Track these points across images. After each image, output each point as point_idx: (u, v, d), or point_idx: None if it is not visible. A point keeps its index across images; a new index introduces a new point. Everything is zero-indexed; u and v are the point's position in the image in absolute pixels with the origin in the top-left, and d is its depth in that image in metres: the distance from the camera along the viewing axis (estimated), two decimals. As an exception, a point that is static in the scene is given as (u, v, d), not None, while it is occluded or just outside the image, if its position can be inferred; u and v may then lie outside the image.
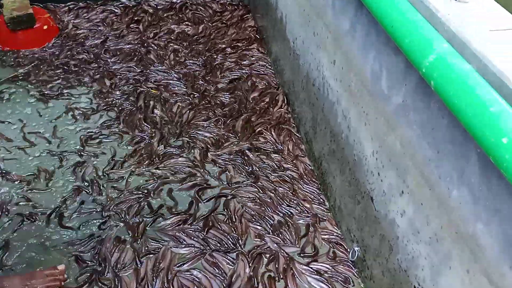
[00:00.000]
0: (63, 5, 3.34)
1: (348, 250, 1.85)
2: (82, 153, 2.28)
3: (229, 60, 2.96)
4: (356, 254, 1.75)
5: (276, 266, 1.84)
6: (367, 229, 1.65)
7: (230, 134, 2.44)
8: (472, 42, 1.02)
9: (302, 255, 1.88)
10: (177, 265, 1.83)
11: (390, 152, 1.43)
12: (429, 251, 1.25)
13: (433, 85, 1.02)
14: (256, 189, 2.14)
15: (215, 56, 2.98)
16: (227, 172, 2.22)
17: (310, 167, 2.24)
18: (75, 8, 3.34)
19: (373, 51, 1.49)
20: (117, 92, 2.66)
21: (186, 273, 1.80)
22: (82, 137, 2.36)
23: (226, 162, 2.27)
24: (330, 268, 1.82)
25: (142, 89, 2.68)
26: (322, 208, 2.06)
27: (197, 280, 1.78)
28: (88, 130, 2.40)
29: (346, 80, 1.73)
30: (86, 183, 2.13)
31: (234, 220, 2.00)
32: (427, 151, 1.22)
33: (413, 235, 1.33)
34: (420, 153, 1.26)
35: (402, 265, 1.41)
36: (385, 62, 1.42)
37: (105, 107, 2.55)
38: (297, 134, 2.42)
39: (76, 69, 2.82)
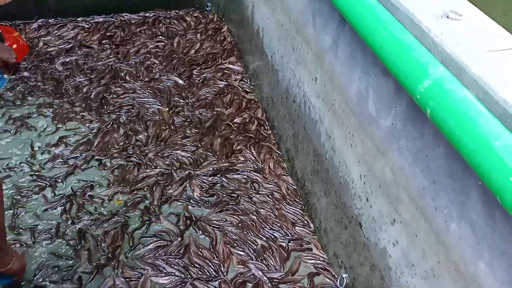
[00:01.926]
0: (33, 22, 3.19)
1: (336, 276, 1.77)
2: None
3: (205, 74, 2.85)
4: (345, 281, 1.67)
5: (262, 295, 1.75)
6: (356, 257, 1.57)
7: (209, 153, 2.33)
8: (470, 65, 0.94)
9: (288, 282, 1.78)
10: (157, 297, 1.72)
11: (379, 177, 1.35)
12: (426, 287, 1.17)
13: (429, 113, 0.94)
14: (237, 212, 2.03)
15: (190, 71, 2.87)
16: (206, 194, 2.11)
17: (293, 187, 2.15)
18: (45, 25, 3.18)
19: (359, 70, 1.41)
20: (90, 111, 2.53)
21: (166, 305, 1.69)
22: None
23: (205, 183, 2.16)
24: (318, 296, 1.73)
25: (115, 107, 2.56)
26: (307, 230, 1.97)
27: (179, 312, 1.67)
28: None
29: (329, 99, 1.65)
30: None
31: (215, 245, 1.90)
32: (421, 181, 1.14)
33: (407, 267, 1.25)
34: (413, 182, 1.18)
35: (396, 298, 1.33)
36: (372, 83, 1.34)
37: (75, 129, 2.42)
38: (278, 152, 2.33)
39: (46, 88, 2.68)
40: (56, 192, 2.08)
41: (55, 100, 2.59)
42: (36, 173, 2.15)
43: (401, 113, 1.20)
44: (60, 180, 2.13)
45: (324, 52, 1.64)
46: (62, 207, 2.01)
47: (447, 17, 1.12)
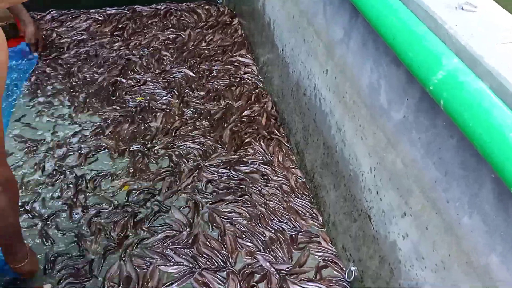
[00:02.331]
0: (46, 13, 3.21)
1: (344, 269, 1.76)
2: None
3: (216, 67, 2.85)
4: (353, 274, 1.66)
5: (269, 286, 1.75)
6: (365, 249, 1.56)
7: (218, 145, 2.33)
8: (484, 57, 0.93)
9: (295, 274, 1.78)
10: (166, 285, 1.72)
11: (390, 170, 1.34)
12: (436, 279, 1.17)
13: (443, 105, 0.93)
14: (246, 204, 2.04)
15: (201, 63, 2.87)
16: (215, 185, 2.11)
17: (302, 179, 2.15)
18: (58, 17, 3.21)
19: (370, 61, 1.40)
20: (102, 102, 2.54)
21: (175, 293, 1.70)
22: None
23: (214, 175, 2.17)
24: (325, 288, 1.73)
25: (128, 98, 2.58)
26: (315, 223, 1.97)
27: (186, 301, 1.68)
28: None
29: (340, 91, 1.64)
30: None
31: (223, 236, 1.90)
32: (433, 173, 1.14)
33: (417, 260, 1.25)
34: (425, 174, 1.17)
35: (405, 290, 1.33)
36: (384, 74, 1.33)
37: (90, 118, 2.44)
38: (287, 145, 2.33)
39: (59, 78, 2.70)
40: (67, 181, 2.09)
41: (68, 91, 2.61)
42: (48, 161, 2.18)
43: (413, 104, 1.19)
44: (71, 169, 2.15)
45: (336, 43, 1.63)
46: (72, 196, 2.03)
47: (462, 8, 1.11)
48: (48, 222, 1.92)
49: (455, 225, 1.07)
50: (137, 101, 2.51)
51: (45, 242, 1.84)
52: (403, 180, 1.28)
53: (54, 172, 2.13)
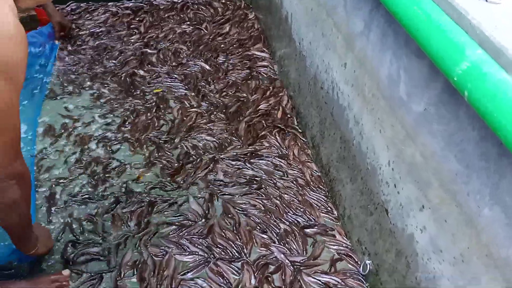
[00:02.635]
0: (65, 6, 3.25)
1: (359, 262, 1.76)
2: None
3: (232, 60, 2.86)
4: (368, 267, 1.66)
5: (283, 277, 1.75)
6: (381, 243, 1.56)
7: (233, 138, 2.34)
8: (509, 48, 0.92)
9: (310, 266, 1.78)
10: (181, 273, 1.74)
11: (409, 163, 1.34)
12: (454, 272, 1.17)
13: (467, 96, 0.93)
14: (260, 196, 2.05)
15: (217, 57, 2.88)
16: (230, 177, 2.13)
17: (317, 173, 2.15)
18: (77, 9, 3.25)
19: (391, 54, 1.39)
20: (119, 94, 2.57)
21: (190, 282, 1.72)
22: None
23: (229, 167, 2.18)
24: (340, 281, 1.72)
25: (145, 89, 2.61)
26: (331, 217, 1.97)
27: (201, 289, 1.70)
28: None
29: (359, 84, 1.64)
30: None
31: (238, 227, 1.92)
32: (453, 165, 1.13)
33: (434, 253, 1.24)
34: (445, 167, 1.17)
35: (422, 284, 1.33)
36: (404, 66, 1.33)
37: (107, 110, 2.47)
38: (303, 139, 2.33)
39: (77, 70, 2.74)
40: (87, 170, 2.13)
41: (86, 81, 2.64)
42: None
43: (435, 96, 1.18)
44: (92, 159, 2.18)
45: (355, 36, 1.63)
46: (92, 185, 2.06)
47: (486, 0, 1.10)
48: (68, 209, 1.94)
49: (475, 218, 1.07)
50: (154, 92, 2.54)
51: (64, 229, 1.87)
52: (422, 173, 1.28)
53: (76, 162, 2.16)
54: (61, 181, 2.06)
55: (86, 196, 2.01)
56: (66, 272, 1.70)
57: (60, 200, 1.99)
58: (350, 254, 1.82)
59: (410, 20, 1.12)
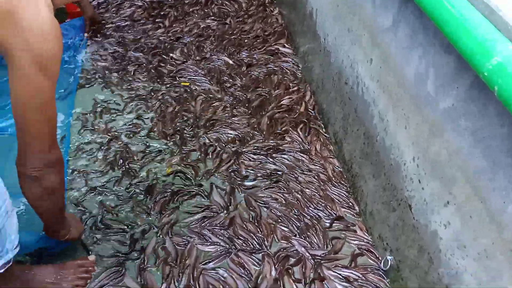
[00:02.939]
0: (92, 0, 3.32)
1: (380, 258, 1.77)
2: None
3: (255, 55, 2.88)
4: (389, 263, 1.67)
5: (303, 270, 1.77)
6: (403, 239, 1.57)
7: (256, 132, 2.37)
8: (542, 44, 0.92)
9: (330, 260, 1.80)
10: (203, 263, 1.77)
11: (434, 159, 1.34)
12: (477, 268, 1.17)
13: (497, 91, 0.93)
14: (282, 190, 2.06)
15: (240, 52, 2.91)
16: (252, 171, 2.15)
17: (339, 169, 2.16)
18: (104, 3, 3.32)
19: (419, 50, 1.39)
20: (146, 87, 2.62)
21: (211, 271, 1.75)
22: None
23: (251, 161, 2.20)
24: (360, 276, 1.73)
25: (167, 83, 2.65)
26: (352, 212, 1.98)
27: (223, 279, 1.72)
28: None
29: (384, 80, 1.64)
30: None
31: (259, 220, 1.94)
32: (480, 161, 1.13)
33: (458, 249, 1.25)
34: (471, 163, 1.17)
35: (444, 280, 1.33)
36: (432, 62, 1.33)
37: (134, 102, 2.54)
38: (325, 134, 2.34)
39: (106, 62, 2.81)
40: (115, 159, 2.18)
41: (114, 74, 2.70)
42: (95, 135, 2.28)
43: (463, 92, 1.18)
44: (120, 149, 2.24)
45: (382, 32, 1.63)
46: (118, 175, 2.11)
47: (518, -4, 1.10)
48: (94, 198, 2.00)
49: (499, 214, 1.07)
50: (182, 85, 2.58)
51: (90, 217, 1.92)
52: (447, 169, 1.28)
53: (104, 152, 2.22)
54: (89, 170, 2.12)
55: (112, 185, 2.06)
56: (92, 257, 1.75)
57: (87, 188, 2.04)
58: (371, 249, 1.82)
59: (441, 16, 1.12)
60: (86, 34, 2.94)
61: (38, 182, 1.31)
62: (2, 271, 1.33)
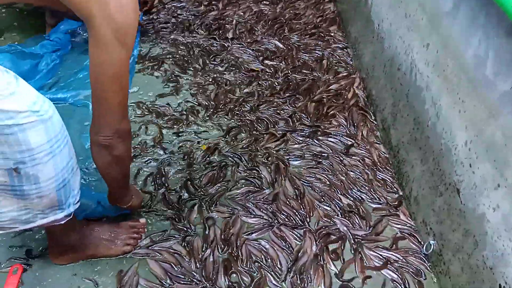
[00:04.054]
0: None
1: (422, 242, 1.78)
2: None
3: (306, 40, 2.91)
4: (432, 247, 1.68)
5: (343, 248, 1.80)
6: (448, 223, 1.57)
7: (303, 115, 2.40)
8: None
9: (371, 241, 1.82)
10: (246, 234, 1.84)
11: (488, 142, 1.34)
12: (526, 250, 1.17)
13: None
14: (326, 171, 2.09)
15: (291, 36, 2.94)
16: (298, 151, 2.19)
17: (385, 155, 2.17)
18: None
19: (480, 34, 1.39)
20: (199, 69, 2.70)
21: (254, 242, 1.80)
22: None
23: (298, 143, 2.24)
24: (401, 258, 1.75)
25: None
26: (396, 197, 1.99)
27: (265, 250, 1.78)
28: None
29: (440, 65, 1.64)
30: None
31: (302, 198, 1.98)
32: (538, 143, 1.13)
33: (506, 231, 1.25)
34: (528, 145, 1.17)
35: (488, 262, 1.33)
36: (493, 46, 1.33)
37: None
38: (373, 121, 2.35)
39: (159, 42, 2.91)
40: (166, 138, 2.27)
41: (167, 56, 2.79)
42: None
43: (525, 74, 1.18)
44: (169, 131, 2.31)
45: (442, 16, 1.63)
46: (170, 150, 2.20)
47: None
48: (148, 168, 2.10)
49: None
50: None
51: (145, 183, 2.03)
52: (501, 152, 1.28)
53: (156, 133, 2.29)
54: (143, 146, 2.21)
55: (164, 158, 2.15)
56: (143, 220, 1.84)
57: (142, 160, 2.14)
58: (413, 234, 1.83)
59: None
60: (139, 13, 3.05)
61: (108, 150, 1.39)
62: (63, 222, 1.42)
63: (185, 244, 1.79)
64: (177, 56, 2.79)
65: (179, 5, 3.24)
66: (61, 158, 1.25)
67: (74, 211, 1.44)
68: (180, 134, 2.27)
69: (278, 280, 1.69)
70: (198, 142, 2.22)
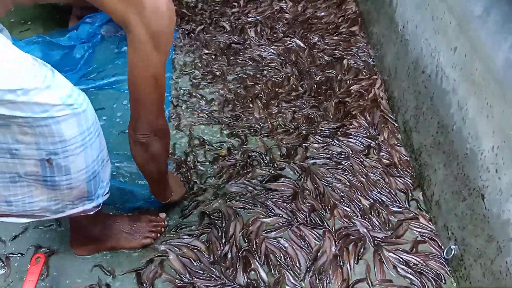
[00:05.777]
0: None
1: (443, 247, 1.77)
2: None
3: (327, 40, 2.90)
4: (453, 252, 1.67)
5: (363, 249, 1.80)
6: (471, 228, 1.56)
7: (323, 114, 2.40)
8: None
9: (391, 244, 1.81)
10: (265, 231, 1.84)
11: (516, 148, 1.33)
12: (554, 258, 1.16)
13: None
14: (346, 172, 2.09)
15: (312, 36, 2.93)
16: (318, 151, 2.19)
17: (406, 158, 2.15)
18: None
19: (510, 37, 1.37)
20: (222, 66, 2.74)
21: (273, 240, 1.81)
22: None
23: (318, 143, 2.24)
24: (421, 262, 1.74)
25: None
26: (417, 200, 1.98)
27: (284, 248, 1.78)
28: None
29: (468, 69, 1.62)
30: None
31: (323, 198, 1.98)
32: None
33: (533, 239, 1.24)
34: (560, 152, 1.16)
35: (511, 269, 1.32)
36: (525, 51, 1.31)
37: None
38: (394, 123, 2.33)
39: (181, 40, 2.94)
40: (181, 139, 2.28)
41: (190, 50, 2.81)
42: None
43: (559, 81, 1.17)
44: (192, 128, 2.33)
45: (471, 20, 1.61)
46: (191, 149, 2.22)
47: None
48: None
49: None
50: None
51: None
52: (531, 159, 1.27)
53: (189, 128, 2.32)
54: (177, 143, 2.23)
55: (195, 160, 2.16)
56: (162, 215, 1.86)
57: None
58: (434, 238, 1.82)
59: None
60: None
61: (145, 147, 1.43)
62: (91, 213, 1.44)
63: (204, 240, 1.81)
64: (195, 51, 2.81)
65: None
66: (92, 151, 1.27)
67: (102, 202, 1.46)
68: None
69: (297, 279, 1.69)
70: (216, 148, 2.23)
